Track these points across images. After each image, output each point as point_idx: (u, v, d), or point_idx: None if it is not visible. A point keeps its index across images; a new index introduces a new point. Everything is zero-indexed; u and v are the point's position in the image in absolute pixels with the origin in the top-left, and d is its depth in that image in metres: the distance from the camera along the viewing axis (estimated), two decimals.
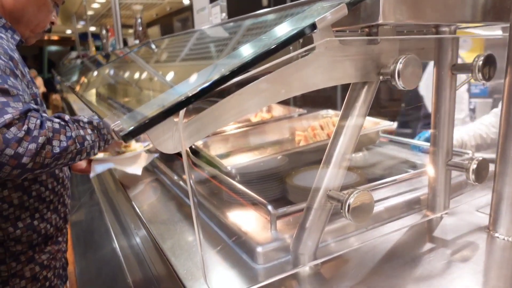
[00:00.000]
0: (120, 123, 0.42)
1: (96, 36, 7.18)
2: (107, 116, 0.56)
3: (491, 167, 0.76)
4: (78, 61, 4.71)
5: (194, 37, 1.09)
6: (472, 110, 2.13)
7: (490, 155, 1.71)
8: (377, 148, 1.30)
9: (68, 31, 10.68)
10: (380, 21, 0.54)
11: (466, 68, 0.75)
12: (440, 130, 0.81)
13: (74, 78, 3.12)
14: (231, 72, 0.43)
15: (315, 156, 1.14)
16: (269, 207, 0.75)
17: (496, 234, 0.73)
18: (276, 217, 0.74)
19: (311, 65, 0.55)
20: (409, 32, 0.77)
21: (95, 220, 1.50)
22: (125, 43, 3.16)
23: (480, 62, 0.71)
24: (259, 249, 0.68)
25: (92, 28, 7.15)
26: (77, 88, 2.09)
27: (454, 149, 0.92)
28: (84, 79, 2.60)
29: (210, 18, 1.44)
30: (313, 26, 0.47)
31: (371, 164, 1.18)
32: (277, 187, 1.01)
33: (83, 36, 7.59)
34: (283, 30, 0.53)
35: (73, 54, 7.59)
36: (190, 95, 0.41)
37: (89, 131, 0.81)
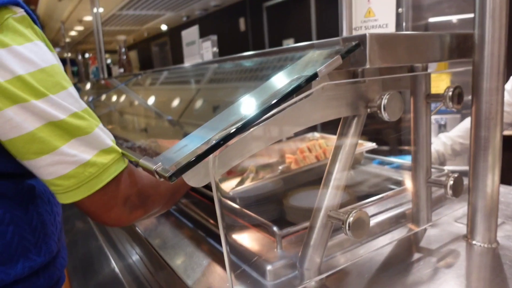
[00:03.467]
0: (161, 164, 0.50)
1: (72, 61, 7.16)
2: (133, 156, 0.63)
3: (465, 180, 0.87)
4: None
5: (195, 73, 1.18)
6: (444, 126, 2.31)
7: (462, 167, 1.85)
8: (362, 167, 1.41)
9: None
10: (368, 66, 0.64)
11: (438, 97, 0.87)
12: (419, 151, 0.92)
13: None
14: (251, 119, 0.51)
15: (307, 178, 1.23)
16: (275, 228, 0.83)
17: (474, 242, 0.84)
18: (281, 237, 0.82)
19: (309, 105, 0.65)
20: (390, 69, 0.88)
21: (92, 249, 1.53)
22: (109, 71, 3.21)
23: (450, 93, 0.83)
24: (269, 267, 0.76)
25: (68, 54, 7.13)
26: None
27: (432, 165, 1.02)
28: None
29: (201, 52, 1.54)
30: (315, 75, 0.56)
31: (359, 182, 1.29)
32: (275, 208, 1.09)
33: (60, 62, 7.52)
34: (288, 77, 0.62)
35: None
36: (220, 140, 0.49)
37: None
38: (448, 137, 1.53)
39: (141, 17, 6.70)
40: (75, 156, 0.56)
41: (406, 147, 2.17)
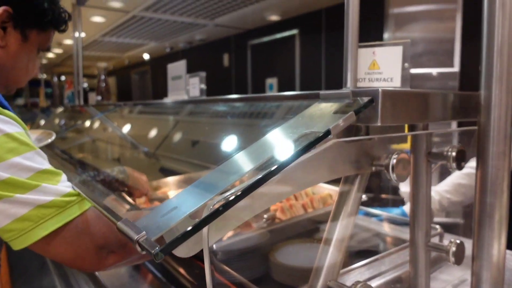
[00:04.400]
0: (144, 234, 0.41)
1: (47, 82, 6.94)
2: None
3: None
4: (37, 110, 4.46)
5: (186, 110, 1.10)
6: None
7: (448, 219, 1.82)
8: None
9: None
10: (379, 123, 0.59)
11: (440, 157, 0.82)
12: (418, 212, 0.87)
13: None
14: (256, 182, 0.44)
15: (295, 230, 1.15)
16: None
17: None
18: None
19: (313, 164, 0.58)
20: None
21: None
22: (85, 98, 3.09)
23: (454, 154, 0.79)
24: None
25: (43, 75, 6.94)
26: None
27: None
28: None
29: (187, 87, 1.47)
30: (327, 133, 0.50)
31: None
32: (260, 264, 1.00)
33: (34, 82, 7.31)
34: (293, 130, 0.56)
35: (19, 100, 7.19)
36: (219, 207, 0.41)
37: None
38: (436, 191, 1.50)
39: (124, 44, 6.65)
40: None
41: (389, 196, 2.14)
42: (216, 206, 0.42)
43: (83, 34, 4.67)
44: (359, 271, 0.90)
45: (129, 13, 4.50)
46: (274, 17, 4.77)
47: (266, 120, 0.76)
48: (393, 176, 0.65)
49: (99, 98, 2.81)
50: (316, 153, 0.55)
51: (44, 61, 7.67)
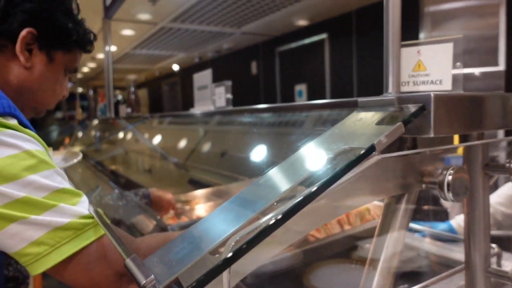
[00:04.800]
0: (152, 279, 0.34)
1: (82, 96, 7.19)
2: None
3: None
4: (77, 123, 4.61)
5: (213, 120, 1.04)
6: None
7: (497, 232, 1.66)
8: None
9: None
10: (432, 135, 0.50)
11: (501, 168, 0.71)
12: (475, 233, 0.75)
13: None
14: (286, 214, 0.36)
15: (331, 250, 1.05)
16: None
17: None
18: None
19: (353, 185, 0.49)
20: None
21: None
22: (116, 110, 3.12)
23: None
24: None
25: (79, 89, 7.19)
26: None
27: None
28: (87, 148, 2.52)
29: (213, 97, 1.42)
30: (371, 149, 0.41)
31: None
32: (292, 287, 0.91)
33: (70, 96, 7.59)
34: (329, 146, 0.47)
35: (58, 114, 7.51)
36: (243, 245, 0.33)
37: None
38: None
39: (154, 56, 6.79)
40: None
41: (430, 207, 1.98)
42: (239, 243, 0.34)
43: (113, 48, 4.79)
44: None
45: (158, 24, 4.57)
46: (302, 22, 4.69)
47: (297, 130, 0.67)
48: (449, 196, 0.55)
49: (129, 110, 2.84)
50: (357, 173, 0.47)
51: (80, 75, 7.96)
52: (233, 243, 0.35)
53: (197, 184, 1.88)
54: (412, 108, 0.48)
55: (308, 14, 4.36)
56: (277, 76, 5.42)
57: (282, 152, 0.52)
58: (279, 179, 0.45)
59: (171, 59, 7.14)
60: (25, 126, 0.64)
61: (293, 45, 5.04)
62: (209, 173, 1.89)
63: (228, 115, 1.01)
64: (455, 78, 0.67)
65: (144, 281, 0.34)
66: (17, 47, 0.74)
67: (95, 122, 3.66)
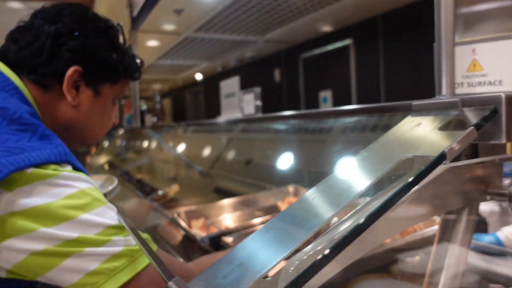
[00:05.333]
0: None
1: None
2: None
3: None
4: None
5: (240, 128, 1.01)
6: None
7: None
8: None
9: None
10: (504, 141, 0.44)
11: None
12: None
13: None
14: (353, 232, 0.31)
15: (370, 263, 0.99)
16: None
17: None
18: None
19: (421, 197, 0.44)
20: None
21: None
22: (142, 119, 3.15)
23: None
24: None
25: None
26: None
27: None
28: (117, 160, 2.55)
29: (241, 105, 1.38)
30: (442, 157, 0.36)
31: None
32: None
33: None
34: (387, 154, 0.42)
35: None
36: (302, 274, 0.29)
37: None
38: None
39: (178, 66, 6.88)
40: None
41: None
42: (301, 267, 0.30)
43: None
44: None
45: (182, 35, 4.63)
46: (326, 28, 4.64)
47: (336, 138, 0.62)
48: None
49: (155, 119, 2.86)
50: (424, 184, 0.41)
51: None
52: (292, 268, 0.30)
53: (223, 193, 1.84)
54: (483, 111, 0.42)
55: (332, 20, 4.30)
56: (301, 83, 5.36)
57: (329, 160, 0.47)
58: (334, 191, 0.40)
59: (195, 69, 7.21)
60: (79, 170, 0.64)
61: (317, 51, 4.99)
62: (238, 182, 1.85)
63: (260, 122, 0.97)
64: None
65: None
66: (64, 86, 0.72)
67: (121, 131, 3.71)
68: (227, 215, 1.62)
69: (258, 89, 1.30)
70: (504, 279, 1.04)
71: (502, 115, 0.44)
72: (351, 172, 0.43)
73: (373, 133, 0.65)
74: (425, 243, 1.16)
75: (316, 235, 0.35)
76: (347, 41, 4.50)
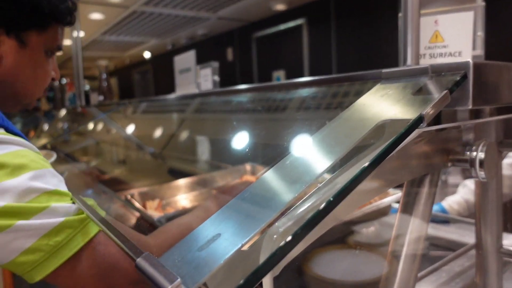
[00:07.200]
0: (179, 282, 0.27)
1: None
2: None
3: None
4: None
5: (196, 105, 0.97)
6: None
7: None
8: (387, 218, 1.20)
9: None
10: (470, 106, 0.45)
11: None
12: (487, 212, 0.73)
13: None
14: (342, 191, 0.30)
15: (326, 234, 1.01)
16: None
17: None
18: None
19: (391, 163, 0.44)
20: None
21: None
22: (87, 98, 2.95)
23: None
24: None
25: None
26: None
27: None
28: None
29: (198, 81, 1.33)
30: (419, 120, 0.36)
31: (387, 241, 1.07)
32: (292, 276, 0.86)
33: None
34: (366, 121, 0.42)
35: None
36: (294, 238, 0.27)
37: None
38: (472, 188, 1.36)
39: (124, 43, 6.50)
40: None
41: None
42: (284, 236, 0.28)
43: (82, 33, 4.54)
44: (418, 284, 0.76)
45: (129, 8, 4.36)
46: (280, 7, 4.61)
47: (305, 111, 0.61)
48: (480, 174, 0.51)
49: (101, 98, 2.69)
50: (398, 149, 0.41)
51: None
52: (275, 236, 0.28)
53: (179, 174, 1.79)
54: (453, 76, 0.43)
55: None
56: (254, 63, 5.32)
57: (291, 136, 0.46)
58: (309, 160, 0.39)
59: (143, 46, 6.87)
60: (14, 134, 0.57)
61: (271, 30, 4.96)
62: (194, 162, 1.80)
63: (217, 98, 0.94)
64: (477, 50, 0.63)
65: (170, 286, 0.27)
66: None
67: (63, 112, 3.46)
68: (183, 195, 1.58)
69: (216, 63, 1.26)
70: (447, 243, 1.12)
71: (469, 81, 0.44)
72: (325, 140, 0.41)
73: (339, 106, 0.64)
74: (379, 214, 1.21)
75: (291, 207, 0.33)
76: (300, 21, 4.51)
